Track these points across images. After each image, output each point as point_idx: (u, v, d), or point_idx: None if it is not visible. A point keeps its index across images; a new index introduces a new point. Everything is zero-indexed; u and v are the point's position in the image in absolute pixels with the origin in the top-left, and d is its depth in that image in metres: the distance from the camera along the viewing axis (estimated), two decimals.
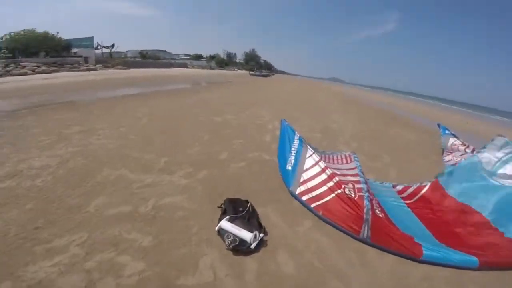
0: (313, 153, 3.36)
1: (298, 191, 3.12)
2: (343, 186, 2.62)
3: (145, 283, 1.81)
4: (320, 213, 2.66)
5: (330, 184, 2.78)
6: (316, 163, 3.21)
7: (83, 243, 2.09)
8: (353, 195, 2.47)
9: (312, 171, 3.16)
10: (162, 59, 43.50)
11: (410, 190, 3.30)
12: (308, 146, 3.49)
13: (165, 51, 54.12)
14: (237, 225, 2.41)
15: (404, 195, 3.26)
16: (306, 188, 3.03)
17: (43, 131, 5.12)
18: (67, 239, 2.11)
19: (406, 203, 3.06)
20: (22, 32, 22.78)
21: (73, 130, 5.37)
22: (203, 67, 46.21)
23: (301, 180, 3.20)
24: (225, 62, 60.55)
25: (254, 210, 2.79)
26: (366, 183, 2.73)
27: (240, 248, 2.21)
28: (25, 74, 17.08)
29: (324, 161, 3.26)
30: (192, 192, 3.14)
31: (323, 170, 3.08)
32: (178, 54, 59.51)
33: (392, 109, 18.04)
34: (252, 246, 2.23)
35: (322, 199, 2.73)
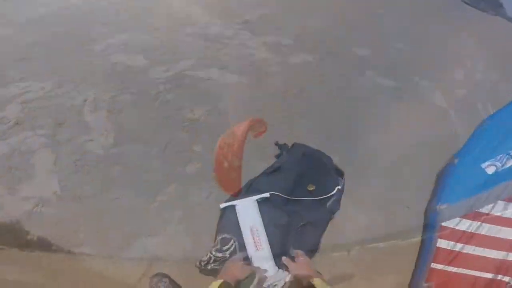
0: None
1: (450, 224, 1.36)
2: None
3: None
4: (425, 286, 1.35)
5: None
6: None
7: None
8: None
9: None
10: None
11: None
12: None
13: None
14: (272, 231, 1.11)
15: None
16: (472, 228, 1.34)
17: None
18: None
19: None
20: None
21: None
22: None
23: (488, 212, 1.34)
24: None
25: (337, 203, 1.28)
26: None
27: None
28: None
29: None
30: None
31: None
32: None
33: None
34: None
35: (464, 267, 1.31)
